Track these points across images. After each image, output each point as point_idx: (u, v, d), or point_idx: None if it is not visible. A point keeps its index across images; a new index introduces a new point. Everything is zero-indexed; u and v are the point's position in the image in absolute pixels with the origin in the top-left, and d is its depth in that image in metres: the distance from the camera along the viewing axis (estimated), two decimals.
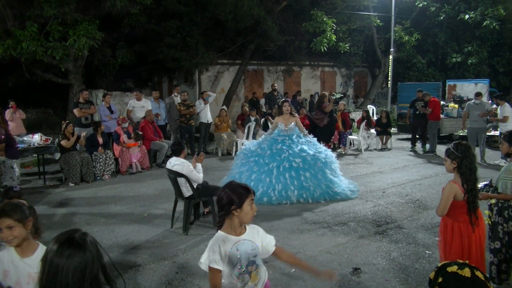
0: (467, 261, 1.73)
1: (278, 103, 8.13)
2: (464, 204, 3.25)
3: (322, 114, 10.73)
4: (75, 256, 1.56)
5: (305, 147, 7.06)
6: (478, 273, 1.64)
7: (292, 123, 7.31)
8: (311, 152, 6.98)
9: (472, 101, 10.23)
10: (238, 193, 2.34)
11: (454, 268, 1.67)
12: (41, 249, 2.40)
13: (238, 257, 2.35)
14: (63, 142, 8.23)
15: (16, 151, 6.87)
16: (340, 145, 11.85)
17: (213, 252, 2.36)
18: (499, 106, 9.86)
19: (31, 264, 2.32)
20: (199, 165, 5.60)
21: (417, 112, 11.35)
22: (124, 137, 9.20)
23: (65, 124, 8.42)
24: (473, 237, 3.24)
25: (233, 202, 2.32)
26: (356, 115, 15.51)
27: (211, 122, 11.69)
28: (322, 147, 7.42)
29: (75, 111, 9.21)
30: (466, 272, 1.63)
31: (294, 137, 7.25)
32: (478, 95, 10.10)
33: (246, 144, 7.91)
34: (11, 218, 2.33)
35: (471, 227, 3.24)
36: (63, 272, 1.53)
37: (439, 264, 1.77)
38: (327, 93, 11.71)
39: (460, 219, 3.28)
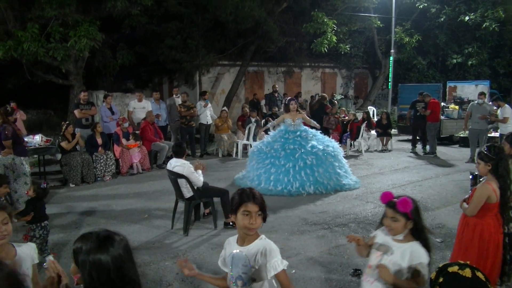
0: (468, 262, 1.73)
1: (285, 101, 8.48)
2: (495, 206, 3.25)
3: (330, 117, 11.00)
4: (114, 251, 1.58)
5: (315, 143, 7.53)
6: (478, 274, 1.64)
7: (299, 119, 7.71)
8: (321, 147, 7.48)
9: (476, 102, 10.23)
10: (236, 199, 2.29)
11: (455, 268, 1.67)
12: (21, 252, 2.27)
13: (230, 268, 2.32)
14: (63, 144, 8.23)
15: (25, 148, 6.88)
16: (340, 145, 11.88)
17: (223, 250, 2.42)
18: (500, 108, 9.88)
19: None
20: (199, 170, 5.61)
21: (417, 114, 11.35)
22: (123, 140, 9.21)
23: (65, 125, 8.43)
24: (496, 239, 3.26)
25: (232, 206, 2.30)
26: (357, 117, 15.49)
27: (211, 123, 11.70)
28: (328, 139, 7.97)
29: (76, 112, 9.21)
30: (467, 273, 1.63)
31: (302, 133, 7.64)
32: (481, 94, 10.11)
33: (256, 144, 8.17)
34: (6, 212, 2.21)
35: (494, 229, 3.26)
36: (104, 268, 1.54)
37: (440, 265, 1.77)
38: (326, 95, 11.79)
39: (485, 221, 3.29)
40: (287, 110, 7.88)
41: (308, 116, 10.94)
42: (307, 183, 7.23)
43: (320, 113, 11.03)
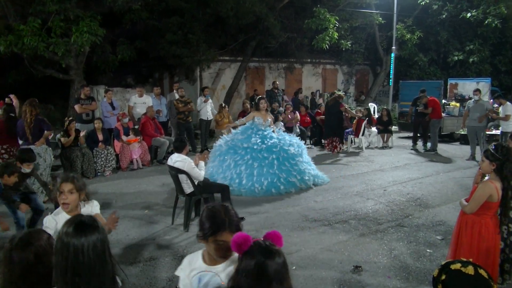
0: (471, 259, 1.72)
1: (256, 99, 8.20)
2: (496, 206, 3.24)
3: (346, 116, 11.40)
4: (92, 235, 1.63)
5: (287, 137, 7.68)
6: (481, 271, 1.64)
7: (269, 120, 7.71)
8: (294, 141, 7.68)
9: (472, 99, 10.23)
10: (206, 225, 1.99)
11: (457, 266, 1.67)
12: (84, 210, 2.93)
13: None
14: (62, 139, 8.21)
15: (49, 140, 7.27)
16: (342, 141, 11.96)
17: (184, 265, 2.13)
18: (501, 105, 9.87)
19: None
20: (201, 163, 5.60)
21: (418, 111, 11.34)
22: (123, 137, 9.20)
23: (68, 121, 8.41)
24: (494, 238, 3.25)
25: (203, 231, 2.00)
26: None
27: (211, 119, 11.68)
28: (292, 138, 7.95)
29: (76, 107, 9.19)
30: (470, 270, 1.63)
31: (271, 130, 7.67)
32: (476, 90, 10.11)
33: (222, 141, 7.70)
34: (73, 184, 2.80)
35: (492, 228, 3.25)
36: (83, 251, 1.60)
37: (443, 262, 1.77)
38: (343, 94, 11.89)
39: (483, 219, 3.29)
40: (257, 108, 7.73)
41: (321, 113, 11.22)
42: (293, 172, 7.21)
43: (334, 109, 10.99)
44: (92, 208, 3.08)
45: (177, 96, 11.05)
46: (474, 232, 3.32)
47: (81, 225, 1.66)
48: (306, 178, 7.43)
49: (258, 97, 8.19)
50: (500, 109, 9.96)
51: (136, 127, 9.64)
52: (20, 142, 7.18)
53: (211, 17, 14.57)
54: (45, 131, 6.85)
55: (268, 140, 7.36)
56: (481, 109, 9.80)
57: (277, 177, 7.08)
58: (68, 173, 2.93)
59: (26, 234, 1.95)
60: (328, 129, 11.10)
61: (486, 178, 3.43)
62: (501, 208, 3.25)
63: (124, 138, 9.19)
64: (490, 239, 3.28)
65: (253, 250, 1.63)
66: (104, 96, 10.23)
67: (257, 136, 7.40)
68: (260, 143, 7.26)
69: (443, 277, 1.67)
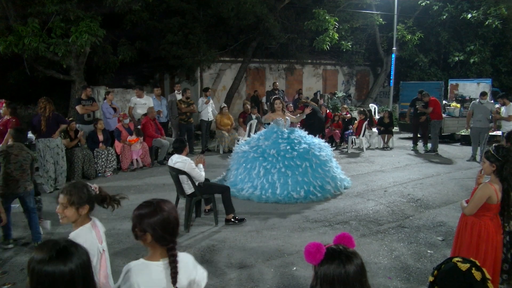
0: (476, 261, 1.72)
1: (270, 100, 8.15)
2: (496, 207, 3.23)
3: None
4: (66, 264, 1.48)
5: (315, 141, 7.46)
6: (476, 272, 1.63)
7: (288, 119, 7.47)
8: (322, 144, 7.48)
9: (477, 100, 10.19)
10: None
11: (457, 259, 1.69)
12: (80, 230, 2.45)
13: None
14: (65, 142, 8.20)
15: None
16: (342, 143, 12.00)
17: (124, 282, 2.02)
18: (504, 106, 9.82)
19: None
20: (200, 165, 5.61)
21: (417, 112, 11.34)
22: (129, 137, 9.19)
23: (68, 122, 8.41)
24: (495, 239, 3.25)
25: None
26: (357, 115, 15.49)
27: (212, 120, 11.67)
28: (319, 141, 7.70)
29: (78, 107, 9.18)
30: (463, 267, 1.65)
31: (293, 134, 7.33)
32: (484, 94, 10.06)
33: (245, 147, 7.38)
34: (67, 198, 2.41)
35: (493, 230, 3.25)
36: (56, 280, 1.45)
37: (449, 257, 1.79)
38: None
39: (483, 221, 3.28)
40: (272, 109, 7.44)
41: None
42: (327, 179, 7.00)
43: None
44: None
45: (178, 97, 11.06)
46: (473, 233, 3.32)
47: (57, 251, 1.49)
48: (339, 184, 7.26)
49: (273, 98, 7.99)
50: (503, 109, 9.91)
51: (138, 127, 9.64)
52: (33, 137, 7.80)
53: (212, 18, 14.59)
54: (62, 125, 7.59)
55: (297, 145, 7.01)
56: (485, 110, 9.78)
57: (312, 186, 6.81)
58: (74, 182, 2.58)
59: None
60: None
61: (485, 179, 3.43)
62: (503, 211, 3.24)
63: (130, 137, 9.19)
64: (489, 241, 3.26)
65: (329, 257, 1.60)
66: (105, 98, 10.23)
67: (284, 141, 7.05)
68: (290, 150, 6.92)
69: (443, 266, 1.72)
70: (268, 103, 14.59)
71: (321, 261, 1.60)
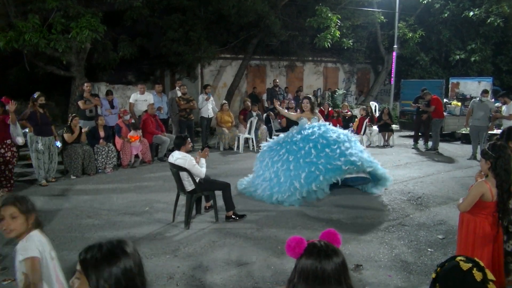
0: (480, 262, 1.70)
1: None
2: (492, 205, 3.22)
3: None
4: (126, 261, 1.54)
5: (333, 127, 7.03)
6: (476, 273, 1.60)
7: (316, 118, 7.13)
8: (340, 131, 7.04)
9: (478, 98, 10.16)
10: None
11: (460, 259, 1.67)
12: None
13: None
14: (66, 136, 8.22)
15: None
16: None
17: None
18: (506, 104, 9.79)
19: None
20: (202, 160, 5.60)
21: (419, 109, 11.33)
22: (131, 133, 9.18)
23: (71, 117, 8.42)
24: (491, 236, 3.24)
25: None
26: (359, 112, 15.47)
27: (212, 117, 11.66)
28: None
29: (80, 103, 9.16)
30: (465, 266, 1.63)
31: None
32: (485, 92, 10.04)
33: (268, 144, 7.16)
34: (16, 207, 2.29)
35: (489, 227, 3.24)
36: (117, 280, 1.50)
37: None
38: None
39: (478, 218, 3.28)
40: (301, 109, 7.21)
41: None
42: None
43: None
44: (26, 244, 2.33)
45: (179, 94, 11.04)
46: (469, 230, 3.33)
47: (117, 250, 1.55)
48: (353, 159, 6.32)
49: (303, 97, 7.78)
50: (504, 108, 9.88)
51: (133, 121, 9.61)
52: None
53: (213, 14, 14.55)
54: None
55: (305, 130, 6.69)
56: (485, 108, 9.76)
57: (314, 165, 6.21)
58: (10, 195, 2.48)
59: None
60: None
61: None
62: (498, 208, 3.23)
63: (132, 133, 9.16)
64: (485, 238, 3.25)
65: (308, 252, 1.62)
66: (105, 96, 10.22)
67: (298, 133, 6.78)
68: (296, 134, 6.66)
69: (446, 264, 1.70)
70: (268, 100, 14.62)
71: (300, 256, 1.62)
